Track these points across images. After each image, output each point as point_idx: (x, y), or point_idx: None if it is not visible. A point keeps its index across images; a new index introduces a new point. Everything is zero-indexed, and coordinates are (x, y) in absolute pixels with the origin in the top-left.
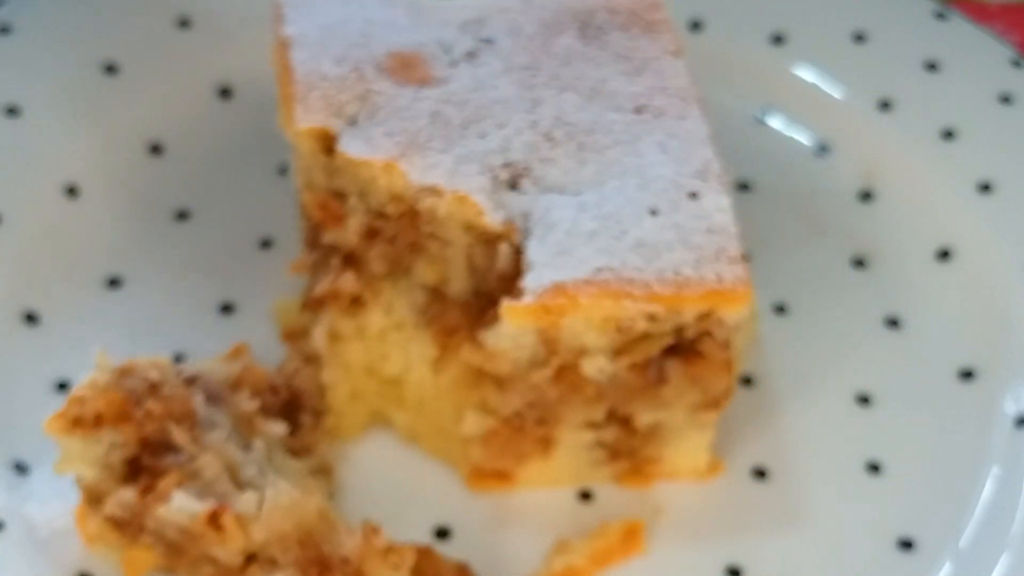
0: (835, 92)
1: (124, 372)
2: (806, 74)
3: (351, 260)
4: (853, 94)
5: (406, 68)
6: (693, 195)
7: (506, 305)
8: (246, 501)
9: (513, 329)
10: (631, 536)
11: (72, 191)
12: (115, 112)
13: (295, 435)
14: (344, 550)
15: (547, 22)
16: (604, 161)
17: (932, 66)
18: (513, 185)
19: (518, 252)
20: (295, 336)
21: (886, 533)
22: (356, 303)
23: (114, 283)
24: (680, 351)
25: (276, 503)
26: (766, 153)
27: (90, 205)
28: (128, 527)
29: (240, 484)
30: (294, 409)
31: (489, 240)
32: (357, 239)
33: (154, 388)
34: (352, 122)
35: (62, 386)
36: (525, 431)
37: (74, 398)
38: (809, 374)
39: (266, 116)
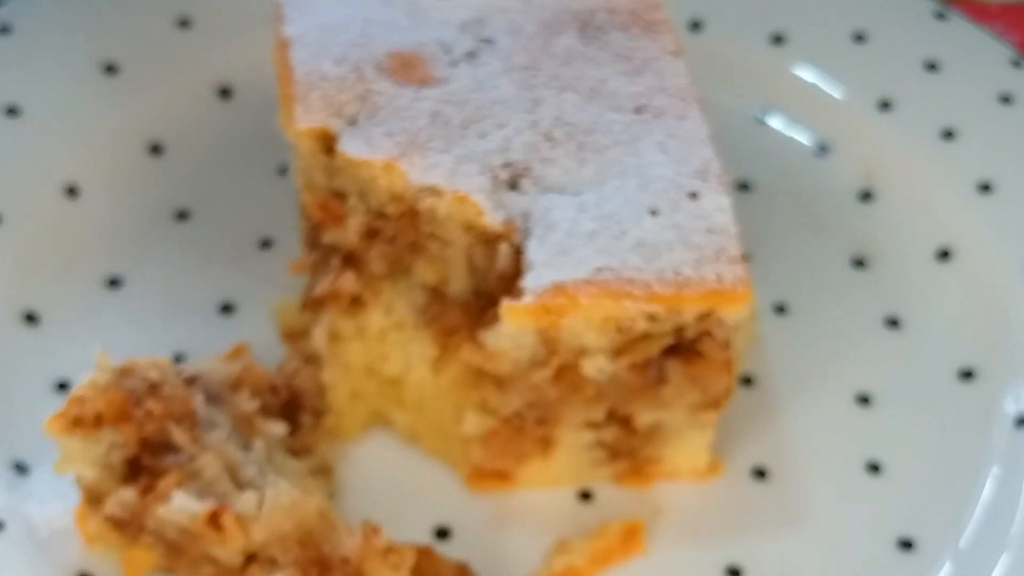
0: (835, 92)
1: (124, 372)
2: (806, 74)
3: (351, 260)
4: (853, 94)
5: (406, 68)
6: (693, 195)
7: (506, 305)
8: (246, 501)
9: (513, 329)
10: (631, 536)
11: (72, 191)
12: (115, 112)
13: (295, 435)
14: (344, 550)
15: (547, 22)
16: (604, 161)
17: (932, 66)
18: (513, 185)
19: (518, 252)
20: (295, 336)
21: (886, 533)
22: (356, 303)
23: (114, 283)
24: (680, 351)
25: (276, 503)
26: (766, 153)
27: (90, 205)
28: (128, 527)
29: (240, 484)
30: (294, 409)
31: (489, 240)
32: (357, 239)
33: (154, 388)
34: (352, 122)
35: (62, 386)
36: (525, 431)
37: (74, 398)
38: (809, 374)
39: (266, 116)
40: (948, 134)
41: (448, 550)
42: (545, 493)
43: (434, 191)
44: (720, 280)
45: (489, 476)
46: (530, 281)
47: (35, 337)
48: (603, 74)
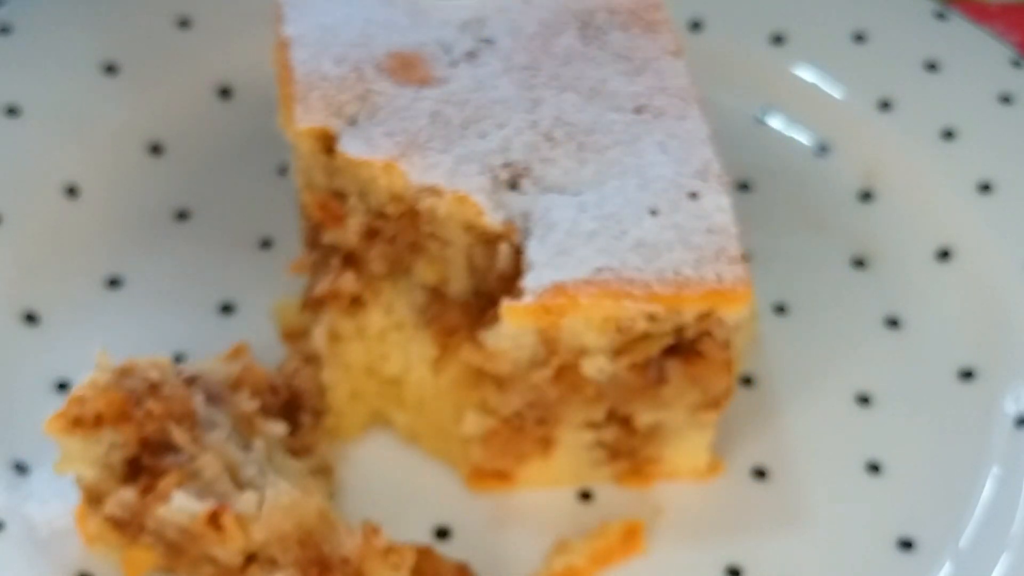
0: (835, 92)
1: (124, 372)
2: (806, 74)
3: (351, 260)
4: (853, 94)
5: (406, 68)
6: (693, 195)
7: (506, 305)
8: (246, 501)
9: (513, 329)
10: (631, 536)
11: (72, 191)
12: (115, 112)
13: (295, 435)
14: (344, 550)
15: (547, 22)
16: (604, 161)
17: (932, 66)
18: (513, 185)
19: (518, 252)
20: (295, 336)
21: (886, 533)
22: (356, 303)
23: (114, 283)
24: (680, 351)
25: (276, 503)
26: (766, 153)
27: (90, 205)
28: (128, 527)
29: (240, 484)
30: (294, 409)
31: (489, 240)
32: (357, 239)
33: (154, 388)
34: (352, 122)
35: (62, 386)
36: (525, 431)
37: (74, 398)
38: (809, 374)
39: (266, 116)
40: (948, 134)
41: (448, 550)
42: (545, 493)
43: (434, 191)
44: (720, 280)
45: (489, 476)
46: (530, 281)
47: (35, 337)
48: (603, 74)
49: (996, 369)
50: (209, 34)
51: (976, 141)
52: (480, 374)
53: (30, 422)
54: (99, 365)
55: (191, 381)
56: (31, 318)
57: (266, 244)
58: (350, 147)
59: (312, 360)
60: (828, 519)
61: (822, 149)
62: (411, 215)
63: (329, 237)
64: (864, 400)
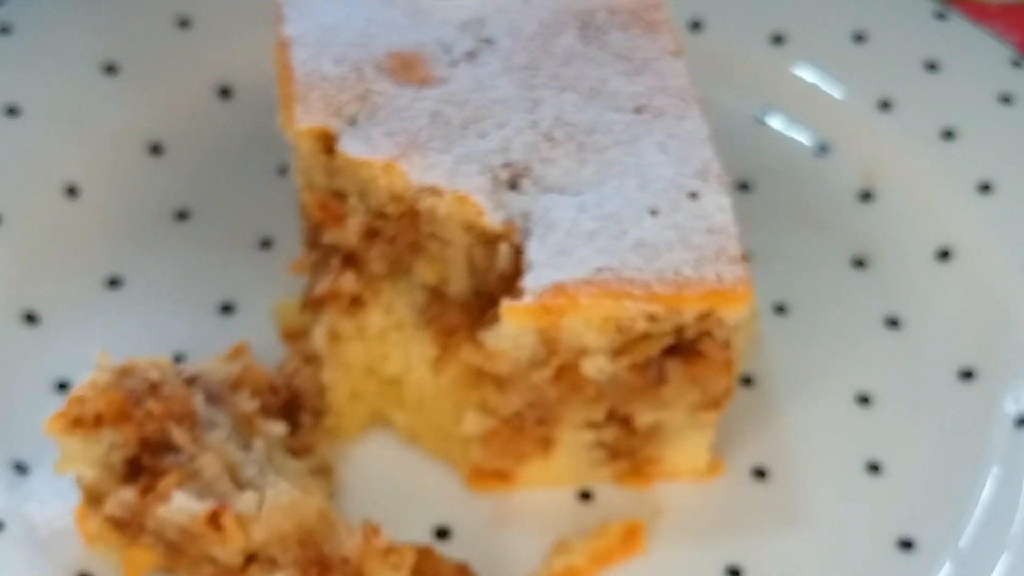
0: (835, 92)
1: (124, 372)
2: (806, 74)
3: (351, 260)
4: (853, 94)
5: (406, 68)
6: (693, 195)
7: (506, 305)
8: (246, 501)
9: (513, 329)
10: (631, 536)
11: (72, 191)
12: (115, 112)
13: (295, 435)
14: (344, 550)
15: (547, 22)
16: (604, 161)
17: (932, 66)
18: (513, 185)
19: (518, 252)
20: (295, 336)
21: (886, 533)
22: (356, 303)
23: (114, 283)
24: (680, 351)
25: (276, 503)
26: (766, 153)
27: (90, 205)
28: (128, 527)
29: (240, 484)
30: (294, 409)
31: (489, 240)
32: (357, 239)
33: (154, 388)
34: (352, 122)
35: (62, 386)
36: (525, 431)
37: (74, 398)
38: (809, 374)
39: (266, 116)
40: (948, 134)
41: (448, 550)
42: (545, 493)
43: (434, 191)
44: (720, 280)
45: (489, 476)
46: (530, 281)
47: (35, 337)
48: (603, 74)
49: (996, 369)
50: (209, 34)
51: (976, 141)
52: (480, 374)
53: (30, 422)
54: (99, 365)
55: (191, 381)
56: (31, 318)
57: (266, 244)
58: (350, 147)
59: (312, 360)
60: (828, 519)
61: (822, 149)
62: (411, 215)
63: (329, 237)
64: (864, 400)
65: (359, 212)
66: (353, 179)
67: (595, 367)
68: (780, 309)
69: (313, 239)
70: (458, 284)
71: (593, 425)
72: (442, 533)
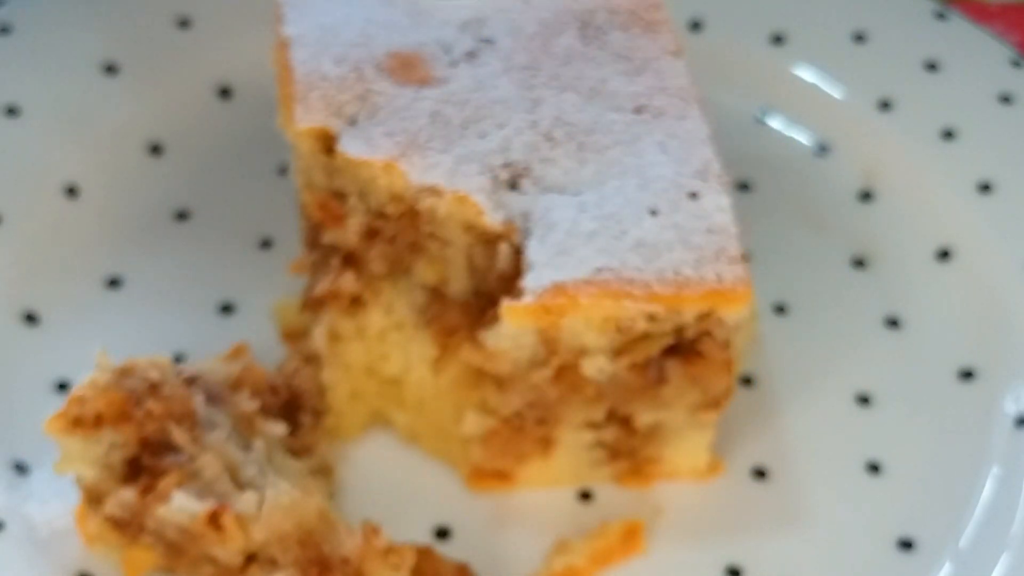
0: (835, 92)
1: (124, 372)
2: (806, 74)
3: (351, 260)
4: (853, 94)
5: (406, 68)
6: (693, 195)
7: (506, 305)
8: (246, 501)
9: (513, 329)
10: (631, 536)
11: (72, 191)
12: (115, 112)
13: (295, 435)
14: (344, 550)
15: (547, 22)
16: (604, 161)
17: (932, 66)
18: (513, 185)
19: (518, 252)
20: (295, 336)
21: (886, 533)
22: (356, 303)
23: (114, 283)
24: (680, 351)
25: (276, 503)
26: (766, 153)
27: (90, 205)
28: (128, 527)
29: (240, 484)
30: (294, 409)
31: (489, 240)
32: (357, 239)
33: (154, 388)
34: (352, 122)
35: (62, 386)
36: (525, 431)
37: (74, 398)
38: (809, 374)
39: (266, 116)
40: (948, 134)
41: (448, 550)
42: (545, 493)
43: (434, 191)
44: (720, 280)
45: (489, 476)
46: (530, 281)
47: (35, 337)
48: (603, 74)
49: (996, 369)
50: (209, 34)
51: (976, 141)
52: (480, 374)
53: (30, 422)
54: (99, 365)
55: (191, 381)
56: (31, 318)
57: (266, 244)
58: (350, 147)
59: (312, 360)
60: (828, 519)
61: (822, 149)
62: (411, 215)
63: (329, 237)
64: (864, 400)
65: (359, 212)
66: (353, 179)
67: (595, 367)
68: (780, 309)
69: (313, 239)
70: (458, 284)
71: (593, 425)
72: (442, 533)
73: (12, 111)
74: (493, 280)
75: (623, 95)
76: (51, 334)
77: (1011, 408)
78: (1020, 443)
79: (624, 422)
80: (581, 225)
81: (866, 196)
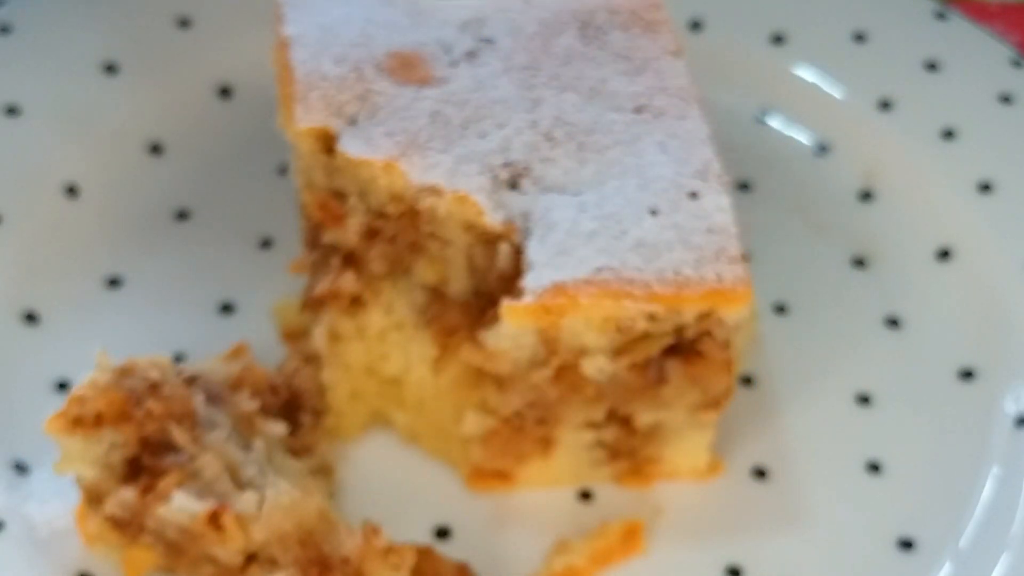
0: (835, 92)
1: (124, 372)
2: (806, 74)
3: (351, 260)
4: (853, 94)
5: (406, 68)
6: (693, 195)
7: (506, 305)
8: (246, 501)
9: (513, 329)
10: (631, 536)
11: (72, 191)
12: (115, 112)
13: (295, 435)
14: (344, 550)
15: (547, 22)
16: (604, 161)
17: (932, 66)
18: (513, 185)
19: (518, 252)
20: (295, 336)
21: (886, 533)
22: (356, 303)
23: (114, 283)
24: (680, 351)
25: (276, 503)
26: (766, 153)
27: (90, 205)
28: (128, 527)
29: (240, 484)
30: (294, 409)
31: (489, 240)
32: (357, 239)
33: (154, 388)
34: (352, 122)
35: (62, 386)
36: (525, 431)
37: (74, 398)
38: (809, 374)
39: (266, 116)
40: (948, 134)
41: (448, 550)
42: (545, 493)
43: (434, 191)
44: (720, 280)
45: (489, 476)
46: (530, 281)
47: (35, 337)
48: (603, 74)
49: (996, 369)
50: (209, 34)
51: (976, 141)
52: (480, 374)
53: (30, 422)
54: (99, 365)
55: (191, 381)
56: (31, 318)
57: (266, 244)
58: (350, 147)
59: (312, 360)
60: (828, 519)
61: (822, 149)
62: (411, 215)
63: (329, 237)
64: (864, 400)
65: (359, 212)
66: (353, 179)
67: (595, 367)
68: (780, 309)
69: (313, 239)
70: (458, 284)
71: (593, 425)
72: (442, 533)
73: (12, 111)
74: (493, 280)
75: (623, 95)
76: (51, 334)
77: (1011, 408)
78: (1020, 443)
79: (624, 422)
80: (581, 225)
81: (866, 196)
